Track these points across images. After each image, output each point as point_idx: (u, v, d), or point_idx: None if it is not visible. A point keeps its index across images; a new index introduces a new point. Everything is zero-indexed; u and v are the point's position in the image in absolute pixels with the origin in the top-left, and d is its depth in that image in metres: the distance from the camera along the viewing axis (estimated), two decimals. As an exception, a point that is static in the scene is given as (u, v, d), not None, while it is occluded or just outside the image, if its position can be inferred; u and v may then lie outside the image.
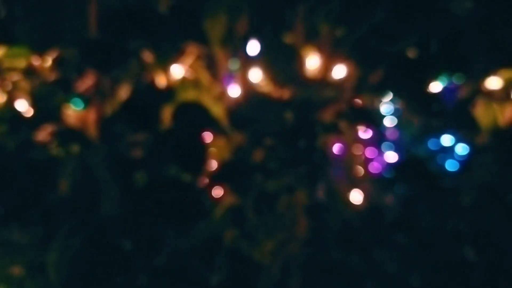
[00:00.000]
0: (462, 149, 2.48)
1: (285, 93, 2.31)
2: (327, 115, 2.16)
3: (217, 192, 2.11)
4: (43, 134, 2.01)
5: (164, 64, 2.19)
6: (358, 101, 2.18)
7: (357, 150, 2.44)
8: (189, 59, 2.28)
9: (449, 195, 2.47)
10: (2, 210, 1.98)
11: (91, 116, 2.01)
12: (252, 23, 2.33)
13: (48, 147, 2.00)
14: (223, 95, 2.28)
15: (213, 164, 2.11)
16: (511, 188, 2.44)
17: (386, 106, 2.51)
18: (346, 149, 2.48)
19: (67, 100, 1.98)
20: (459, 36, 2.10)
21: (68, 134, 1.99)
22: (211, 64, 2.31)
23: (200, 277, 1.94)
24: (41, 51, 1.94)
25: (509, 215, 2.42)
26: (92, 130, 2.01)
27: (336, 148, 2.39)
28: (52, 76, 2.04)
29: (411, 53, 2.14)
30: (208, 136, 2.14)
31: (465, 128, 2.51)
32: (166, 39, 2.17)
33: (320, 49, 2.37)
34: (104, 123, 1.99)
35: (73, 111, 2.01)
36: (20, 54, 2.03)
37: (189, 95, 2.25)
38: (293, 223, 2.24)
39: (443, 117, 2.27)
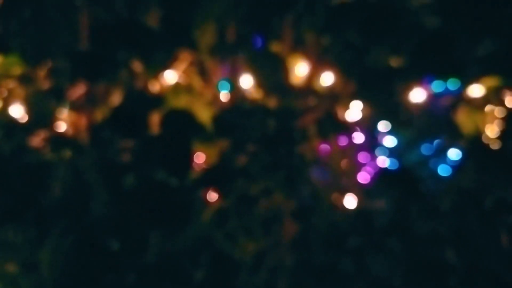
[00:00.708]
0: (454, 154, 2.57)
1: (271, 101, 2.40)
2: (306, 123, 2.26)
3: (203, 195, 2.21)
4: (37, 139, 2.11)
5: (154, 73, 2.29)
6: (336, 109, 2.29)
7: (344, 155, 2.53)
8: (182, 65, 2.37)
9: (429, 199, 2.56)
10: (-2, 212, 2.07)
11: (82, 122, 2.11)
12: (240, 32, 2.43)
13: (41, 152, 2.10)
14: (214, 100, 2.38)
15: (199, 169, 2.21)
16: (489, 192, 2.52)
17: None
18: (332, 153, 2.57)
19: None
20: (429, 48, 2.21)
21: (60, 140, 2.09)
22: (203, 70, 2.41)
23: (185, 276, 2.04)
24: (35, 62, 2.03)
25: (487, 219, 2.50)
26: (83, 136, 2.11)
27: (322, 152, 2.49)
28: (46, 85, 2.15)
29: (383, 64, 2.25)
30: (194, 142, 2.24)
31: (448, 134, 2.61)
32: (156, 49, 2.27)
33: (306, 57, 2.47)
34: (94, 130, 2.10)
35: (65, 117, 2.12)
36: (15, 62, 2.13)
37: (181, 100, 2.35)
38: (276, 225, 2.34)
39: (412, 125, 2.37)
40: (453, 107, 2.59)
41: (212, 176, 2.21)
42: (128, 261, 2.05)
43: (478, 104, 2.57)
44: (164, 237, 2.09)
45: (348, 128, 2.29)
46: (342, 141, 2.39)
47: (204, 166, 2.22)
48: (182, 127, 2.22)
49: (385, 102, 2.24)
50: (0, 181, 2.07)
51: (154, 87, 2.30)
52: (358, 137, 2.43)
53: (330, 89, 2.47)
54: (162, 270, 2.09)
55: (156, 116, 2.22)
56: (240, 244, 2.18)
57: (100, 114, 2.13)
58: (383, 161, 2.55)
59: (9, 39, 2.02)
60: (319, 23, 2.49)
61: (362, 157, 2.50)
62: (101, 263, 2.03)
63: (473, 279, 2.45)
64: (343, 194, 2.52)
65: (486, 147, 2.50)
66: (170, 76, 2.34)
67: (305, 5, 2.49)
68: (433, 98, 2.59)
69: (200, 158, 2.24)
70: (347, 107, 2.31)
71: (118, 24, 2.15)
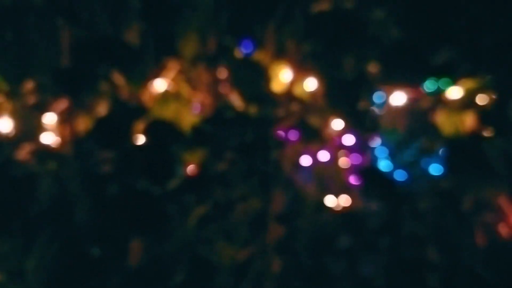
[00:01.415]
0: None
1: (252, 109, 2.47)
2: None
3: (184, 202, 2.30)
4: (23, 152, 2.21)
5: (137, 84, 2.38)
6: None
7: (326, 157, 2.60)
8: (170, 74, 2.46)
9: (407, 200, 2.61)
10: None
11: (66, 134, 2.21)
12: (221, 42, 2.50)
13: (27, 164, 2.20)
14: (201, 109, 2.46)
15: (181, 176, 2.30)
16: (465, 194, 2.57)
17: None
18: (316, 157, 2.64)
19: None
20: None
21: (45, 152, 2.19)
22: (189, 79, 2.49)
23: (166, 282, 2.14)
24: (18, 81, 2.13)
25: (464, 219, 2.55)
26: (67, 148, 2.21)
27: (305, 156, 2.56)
28: (31, 99, 2.25)
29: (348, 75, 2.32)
30: (177, 150, 2.33)
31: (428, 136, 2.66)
32: (137, 62, 2.36)
33: (288, 65, 2.53)
34: (77, 142, 2.19)
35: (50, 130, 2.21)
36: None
37: (170, 108, 2.43)
38: (260, 230, 2.42)
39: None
40: (432, 109, 2.64)
41: (193, 183, 2.30)
42: (111, 267, 2.14)
43: (456, 106, 2.61)
44: (145, 243, 2.18)
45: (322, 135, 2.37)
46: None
47: (187, 174, 2.30)
48: (164, 137, 2.30)
49: (355, 109, 2.32)
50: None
51: (140, 97, 2.38)
52: (336, 141, 2.50)
53: (309, 96, 2.54)
54: (144, 276, 2.18)
55: (139, 127, 2.31)
56: (221, 250, 2.27)
57: (83, 126, 2.22)
58: (364, 163, 2.61)
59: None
60: (299, 31, 2.56)
61: (343, 159, 2.57)
62: (84, 270, 2.13)
63: (453, 278, 2.50)
64: (327, 196, 2.59)
65: (463, 148, 2.55)
66: (159, 85, 2.42)
67: (285, 13, 2.55)
68: (412, 101, 2.64)
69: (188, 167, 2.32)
70: (322, 114, 2.38)
71: (99, 40, 2.23)
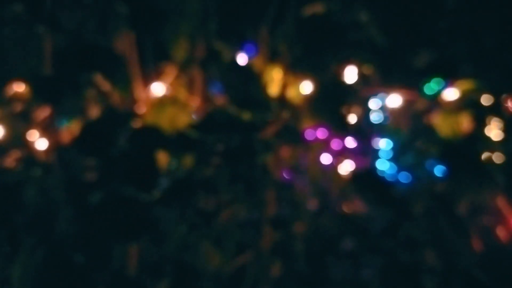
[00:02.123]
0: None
1: (243, 114, 2.47)
2: (266, 135, 2.32)
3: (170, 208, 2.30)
4: (10, 160, 2.23)
5: (124, 91, 2.38)
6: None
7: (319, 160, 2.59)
8: (168, 78, 2.46)
9: (402, 203, 2.59)
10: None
11: (50, 142, 2.22)
12: (211, 46, 2.50)
13: (13, 172, 2.22)
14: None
15: (165, 183, 2.30)
16: (459, 196, 2.55)
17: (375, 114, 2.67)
18: (310, 161, 2.63)
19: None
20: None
21: (30, 160, 2.20)
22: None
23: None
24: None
25: (458, 222, 2.53)
26: (51, 155, 2.22)
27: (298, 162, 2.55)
28: (18, 107, 2.27)
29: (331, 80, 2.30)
30: (161, 157, 2.32)
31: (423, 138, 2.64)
32: (124, 68, 2.36)
33: (279, 69, 2.53)
34: (61, 149, 2.20)
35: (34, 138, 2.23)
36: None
37: (167, 112, 2.44)
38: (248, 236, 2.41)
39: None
40: (429, 111, 2.62)
41: (179, 189, 2.29)
42: (96, 274, 2.14)
43: (453, 108, 2.59)
44: (129, 250, 2.18)
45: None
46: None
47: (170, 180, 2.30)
48: (150, 142, 2.30)
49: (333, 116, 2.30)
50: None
51: (128, 103, 2.39)
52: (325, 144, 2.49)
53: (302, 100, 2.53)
54: (128, 283, 2.18)
55: (124, 133, 2.31)
56: (208, 257, 2.26)
57: (67, 134, 2.23)
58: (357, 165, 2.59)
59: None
60: (291, 35, 2.55)
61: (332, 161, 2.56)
62: (70, 277, 2.13)
63: (450, 281, 2.48)
64: (319, 199, 2.58)
65: (458, 151, 2.52)
66: (154, 90, 2.43)
67: (276, 17, 2.54)
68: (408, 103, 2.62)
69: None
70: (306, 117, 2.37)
71: (84, 47, 2.24)
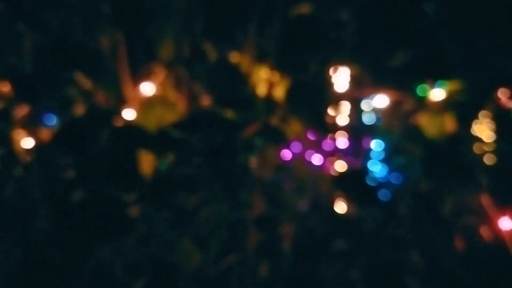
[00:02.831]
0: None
1: (227, 113, 2.46)
2: (247, 134, 2.32)
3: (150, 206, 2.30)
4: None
5: (110, 89, 2.38)
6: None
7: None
8: (156, 77, 2.46)
9: (387, 204, 2.58)
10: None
11: (31, 140, 2.22)
12: (197, 46, 2.49)
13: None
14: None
15: (144, 182, 2.29)
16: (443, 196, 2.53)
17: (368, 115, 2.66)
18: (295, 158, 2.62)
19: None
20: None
21: (10, 158, 2.20)
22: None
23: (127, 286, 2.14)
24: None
25: (444, 223, 2.52)
26: (31, 154, 2.22)
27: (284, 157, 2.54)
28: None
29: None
30: (142, 155, 2.32)
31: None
32: (108, 67, 2.36)
33: (265, 68, 2.52)
34: (41, 148, 2.20)
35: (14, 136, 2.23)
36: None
37: (155, 111, 2.43)
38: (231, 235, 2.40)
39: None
40: (415, 111, 2.61)
41: (158, 188, 2.29)
42: (73, 272, 2.15)
43: (439, 108, 2.57)
44: (107, 249, 2.18)
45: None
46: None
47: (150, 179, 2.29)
48: (131, 141, 2.30)
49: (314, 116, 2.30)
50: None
51: (112, 102, 2.39)
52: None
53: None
54: (106, 282, 2.18)
55: (105, 132, 2.31)
56: (188, 256, 2.26)
57: (47, 132, 2.23)
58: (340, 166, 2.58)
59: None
60: (277, 35, 2.54)
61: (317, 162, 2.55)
62: (48, 275, 2.14)
63: (434, 281, 2.47)
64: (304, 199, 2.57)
65: (442, 151, 2.51)
66: (143, 89, 2.43)
67: (263, 17, 2.54)
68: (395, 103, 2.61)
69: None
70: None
71: (67, 46, 2.24)
